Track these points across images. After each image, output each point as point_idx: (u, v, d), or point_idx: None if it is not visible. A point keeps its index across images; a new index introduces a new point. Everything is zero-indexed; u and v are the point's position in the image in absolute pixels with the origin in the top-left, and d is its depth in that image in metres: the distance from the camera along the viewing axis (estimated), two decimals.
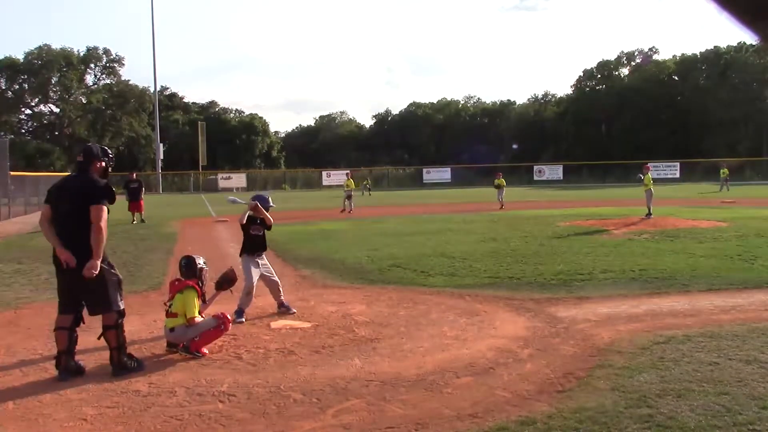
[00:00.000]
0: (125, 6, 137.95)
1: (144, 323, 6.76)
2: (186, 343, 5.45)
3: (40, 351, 5.72)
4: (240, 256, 7.23)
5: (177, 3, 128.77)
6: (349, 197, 25.09)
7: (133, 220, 20.58)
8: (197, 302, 5.66)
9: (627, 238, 13.32)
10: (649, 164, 17.60)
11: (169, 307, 5.64)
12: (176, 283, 5.82)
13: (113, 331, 5.00)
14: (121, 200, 23.45)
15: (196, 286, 5.72)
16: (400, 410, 4.14)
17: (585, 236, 13.87)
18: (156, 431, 3.92)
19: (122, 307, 5.07)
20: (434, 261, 10.67)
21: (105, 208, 4.91)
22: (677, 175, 57.54)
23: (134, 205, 20.93)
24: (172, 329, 5.54)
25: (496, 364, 5.06)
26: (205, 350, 5.47)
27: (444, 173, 64.95)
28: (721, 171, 38.85)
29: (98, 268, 4.80)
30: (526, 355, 5.30)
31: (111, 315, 4.98)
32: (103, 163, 5.19)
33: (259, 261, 7.07)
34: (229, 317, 5.85)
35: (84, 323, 5.12)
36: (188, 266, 5.88)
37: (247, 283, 6.85)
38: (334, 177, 58.43)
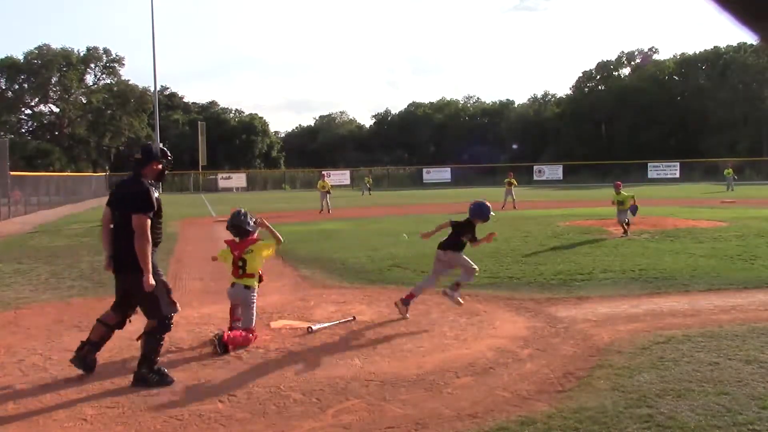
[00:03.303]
0: (125, 6, 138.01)
1: (144, 323, 6.74)
2: (221, 333, 5.58)
3: (40, 351, 5.72)
4: None
5: (177, 3, 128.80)
6: (325, 197, 25.14)
7: None
8: (266, 253, 5.99)
9: (627, 238, 13.31)
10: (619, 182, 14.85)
11: (243, 266, 5.85)
12: (236, 242, 5.99)
13: (145, 337, 4.86)
14: None
15: (258, 239, 6.02)
16: (400, 410, 4.14)
17: (585, 236, 13.87)
18: (156, 431, 3.92)
19: (171, 314, 4.87)
20: None
21: (145, 217, 4.72)
22: (677, 175, 57.57)
23: None
24: (246, 287, 5.83)
25: (496, 364, 5.07)
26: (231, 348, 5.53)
27: (444, 173, 64.96)
28: (726, 171, 38.98)
29: (151, 281, 4.67)
30: (526, 355, 5.30)
31: (152, 321, 4.85)
32: (161, 166, 5.02)
33: None
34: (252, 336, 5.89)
35: (123, 327, 5.10)
36: (238, 227, 6.01)
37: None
38: (334, 177, 58.41)
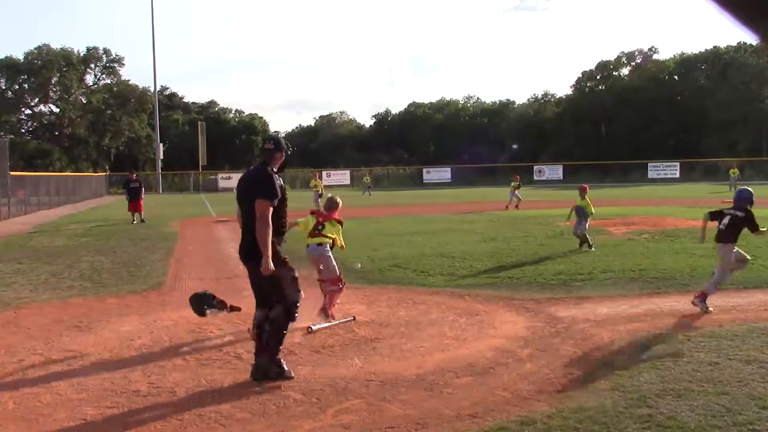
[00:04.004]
0: (125, 6, 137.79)
1: (144, 323, 6.75)
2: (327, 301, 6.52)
3: (40, 351, 5.72)
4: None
5: (177, 3, 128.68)
6: (318, 197, 25.12)
7: (133, 220, 20.60)
8: (337, 230, 6.85)
9: (627, 238, 13.32)
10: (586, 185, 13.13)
11: (321, 229, 6.74)
12: (324, 212, 6.97)
13: (268, 325, 4.79)
14: (122, 200, 23.49)
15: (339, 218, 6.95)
16: (400, 410, 4.14)
17: None
18: (156, 431, 3.92)
19: (296, 301, 4.85)
20: (434, 261, 10.66)
21: (267, 203, 4.73)
22: (677, 175, 57.55)
23: (134, 205, 20.97)
24: (319, 244, 6.68)
25: (496, 364, 5.07)
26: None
27: (444, 173, 64.94)
28: (731, 171, 39.00)
29: (270, 266, 4.65)
30: (526, 355, 5.30)
31: (277, 309, 4.80)
32: (284, 157, 5.21)
33: None
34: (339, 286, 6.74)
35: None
36: (331, 204, 6.97)
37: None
38: (334, 177, 58.47)
